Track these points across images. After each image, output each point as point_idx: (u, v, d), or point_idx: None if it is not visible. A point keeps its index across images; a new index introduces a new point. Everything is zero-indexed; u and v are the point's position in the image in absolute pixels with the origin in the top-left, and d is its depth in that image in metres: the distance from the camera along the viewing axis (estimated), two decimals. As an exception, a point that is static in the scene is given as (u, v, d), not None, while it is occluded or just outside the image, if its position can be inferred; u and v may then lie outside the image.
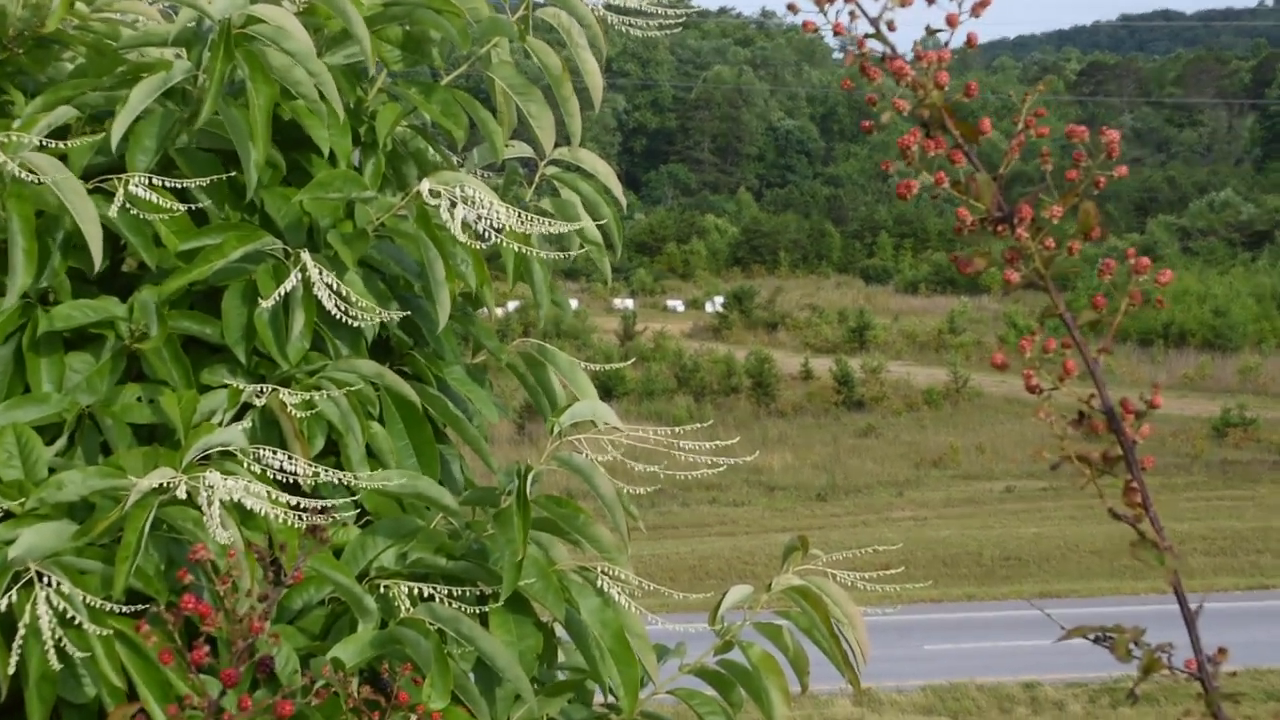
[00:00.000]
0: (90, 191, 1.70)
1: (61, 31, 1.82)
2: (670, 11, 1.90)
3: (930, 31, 0.78)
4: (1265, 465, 18.95)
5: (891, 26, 0.78)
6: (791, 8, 0.79)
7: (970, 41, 0.79)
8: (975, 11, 0.77)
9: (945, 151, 0.77)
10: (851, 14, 0.77)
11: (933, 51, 0.78)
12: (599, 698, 1.77)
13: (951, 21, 0.77)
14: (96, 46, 1.82)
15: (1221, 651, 0.79)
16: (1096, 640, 0.79)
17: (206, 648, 0.84)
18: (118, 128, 1.67)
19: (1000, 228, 0.77)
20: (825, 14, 0.77)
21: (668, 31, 1.90)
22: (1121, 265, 0.77)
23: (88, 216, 1.64)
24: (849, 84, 0.80)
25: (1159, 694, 8.89)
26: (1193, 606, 0.79)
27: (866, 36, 0.77)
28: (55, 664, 1.45)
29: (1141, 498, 0.77)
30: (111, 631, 1.48)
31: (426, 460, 1.77)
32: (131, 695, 1.51)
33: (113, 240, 1.75)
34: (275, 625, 1.63)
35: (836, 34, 0.77)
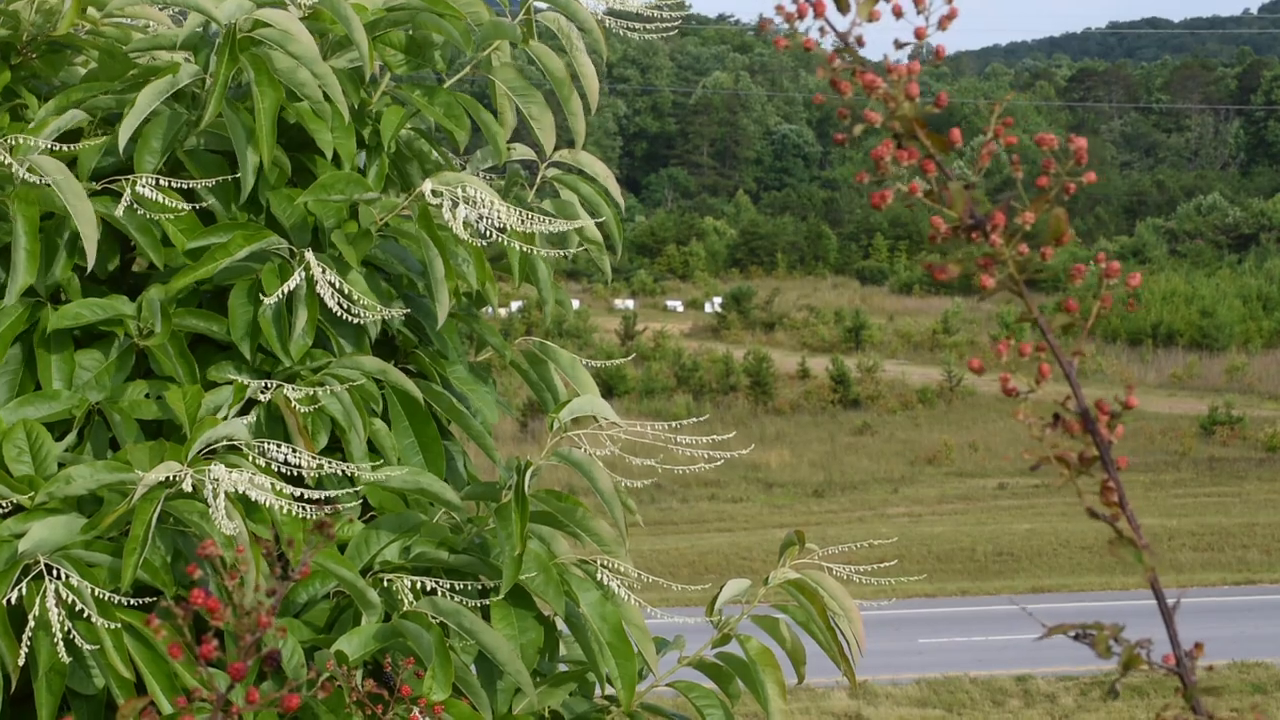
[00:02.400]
0: (99, 192, 1.73)
1: (73, 36, 1.84)
2: (667, 14, 1.93)
3: (898, 45, 0.80)
4: (1252, 463, 19.03)
5: (860, 42, 0.79)
6: (761, 25, 0.81)
7: (938, 54, 0.81)
8: (943, 24, 0.79)
9: (917, 162, 0.79)
10: (821, 29, 0.79)
11: (903, 65, 0.80)
12: (600, 690, 1.80)
13: (919, 35, 0.79)
14: (108, 51, 1.85)
15: (1198, 646, 0.81)
16: (1077, 637, 0.81)
17: (215, 642, 0.87)
18: (125, 129, 1.69)
19: (974, 234, 0.79)
20: (794, 30, 0.79)
21: (664, 35, 1.93)
22: (1092, 269, 0.79)
23: (85, 217, 1.66)
24: (820, 99, 0.82)
25: (1148, 687, 8.94)
26: (1170, 602, 0.81)
27: (837, 52, 0.80)
28: (65, 657, 1.47)
29: (1118, 497, 0.79)
30: (120, 624, 1.50)
31: (432, 457, 1.80)
32: (139, 686, 1.53)
33: (123, 240, 1.77)
34: (281, 619, 1.65)
35: (806, 50, 0.79)
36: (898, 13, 0.79)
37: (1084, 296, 0.80)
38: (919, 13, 0.78)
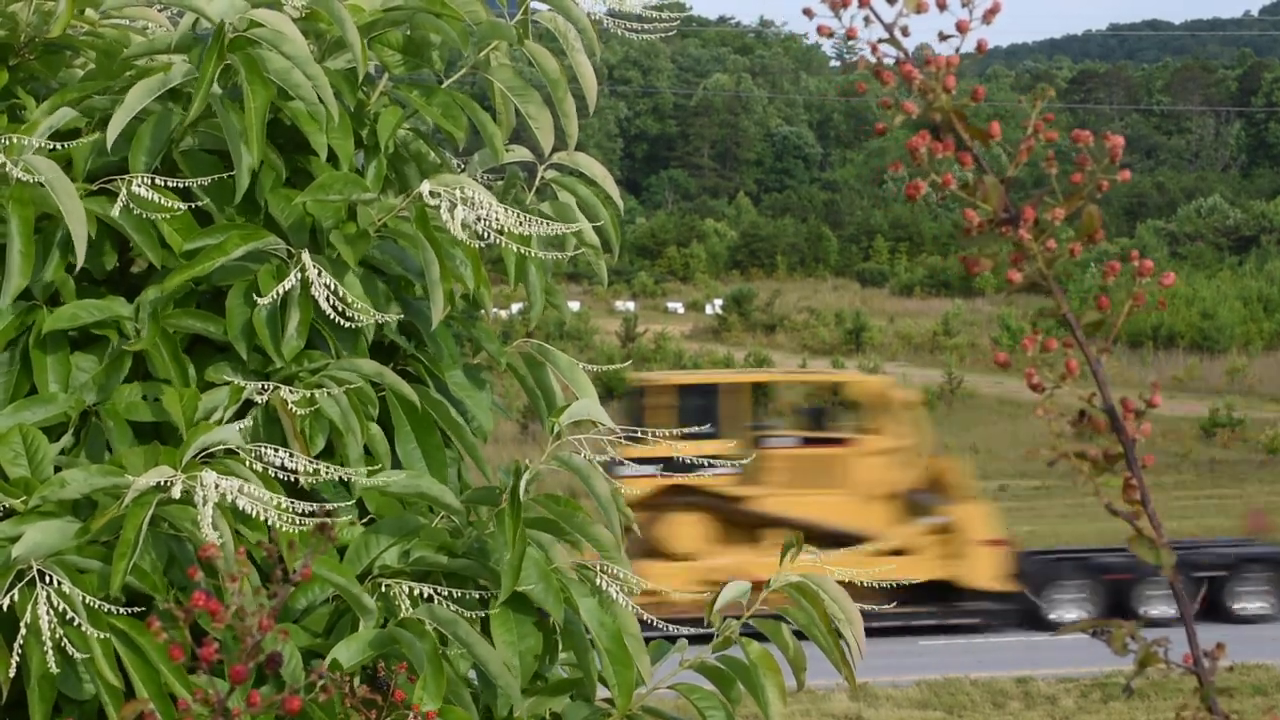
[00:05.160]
0: (95, 192, 1.72)
1: (71, 37, 1.83)
2: (665, 15, 1.92)
3: (942, 37, 0.79)
4: (1252, 465, 19.03)
5: (905, 32, 0.79)
6: (807, 12, 0.80)
7: (980, 47, 0.80)
8: (987, 18, 0.78)
9: (953, 154, 0.78)
10: (866, 19, 0.78)
11: (941, 56, 0.79)
12: (602, 692, 1.78)
13: (962, 28, 0.78)
14: (106, 52, 1.84)
15: (1220, 646, 0.80)
16: (1095, 634, 0.80)
17: (216, 644, 0.86)
18: (113, 127, 1.68)
19: (1006, 229, 0.78)
20: (840, 19, 0.78)
21: (662, 35, 1.92)
22: (1125, 267, 0.79)
23: (76, 217, 1.65)
24: (863, 87, 0.81)
25: (1149, 689, 8.93)
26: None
27: (880, 41, 0.78)
28: (54, 666, 1.46)
29: (1141, 495, 0.78)
30: (108, 633, 1.49)
31: (436, 465, 1.78)
32: (129, 693, 1.52)
33: (122, 242, 1.76)
34: (280, 623, 1.63)
35: (850, 38, 0.79)
36: (942, 4, 0.78)
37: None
38: (963, 5, 0.77)
